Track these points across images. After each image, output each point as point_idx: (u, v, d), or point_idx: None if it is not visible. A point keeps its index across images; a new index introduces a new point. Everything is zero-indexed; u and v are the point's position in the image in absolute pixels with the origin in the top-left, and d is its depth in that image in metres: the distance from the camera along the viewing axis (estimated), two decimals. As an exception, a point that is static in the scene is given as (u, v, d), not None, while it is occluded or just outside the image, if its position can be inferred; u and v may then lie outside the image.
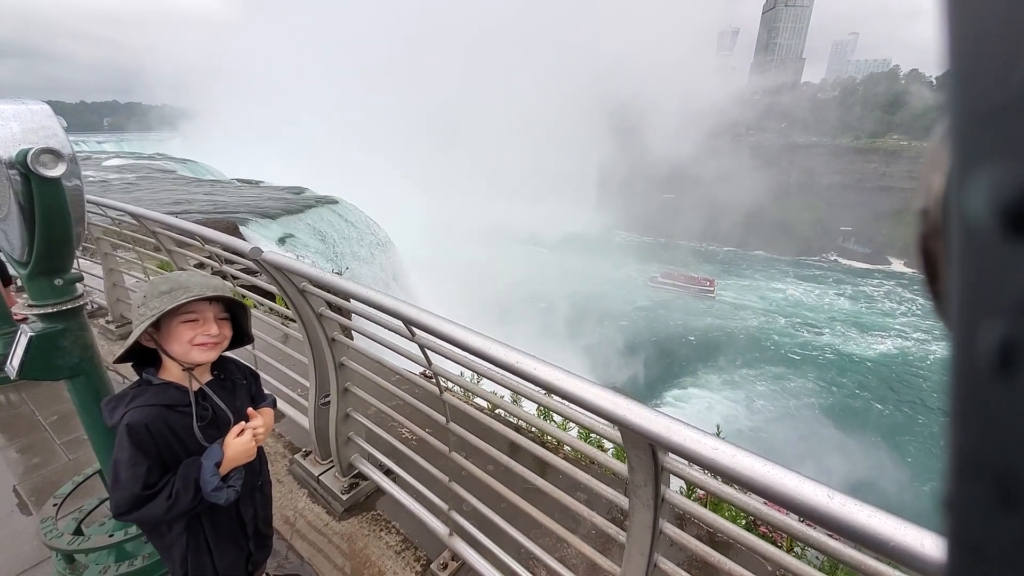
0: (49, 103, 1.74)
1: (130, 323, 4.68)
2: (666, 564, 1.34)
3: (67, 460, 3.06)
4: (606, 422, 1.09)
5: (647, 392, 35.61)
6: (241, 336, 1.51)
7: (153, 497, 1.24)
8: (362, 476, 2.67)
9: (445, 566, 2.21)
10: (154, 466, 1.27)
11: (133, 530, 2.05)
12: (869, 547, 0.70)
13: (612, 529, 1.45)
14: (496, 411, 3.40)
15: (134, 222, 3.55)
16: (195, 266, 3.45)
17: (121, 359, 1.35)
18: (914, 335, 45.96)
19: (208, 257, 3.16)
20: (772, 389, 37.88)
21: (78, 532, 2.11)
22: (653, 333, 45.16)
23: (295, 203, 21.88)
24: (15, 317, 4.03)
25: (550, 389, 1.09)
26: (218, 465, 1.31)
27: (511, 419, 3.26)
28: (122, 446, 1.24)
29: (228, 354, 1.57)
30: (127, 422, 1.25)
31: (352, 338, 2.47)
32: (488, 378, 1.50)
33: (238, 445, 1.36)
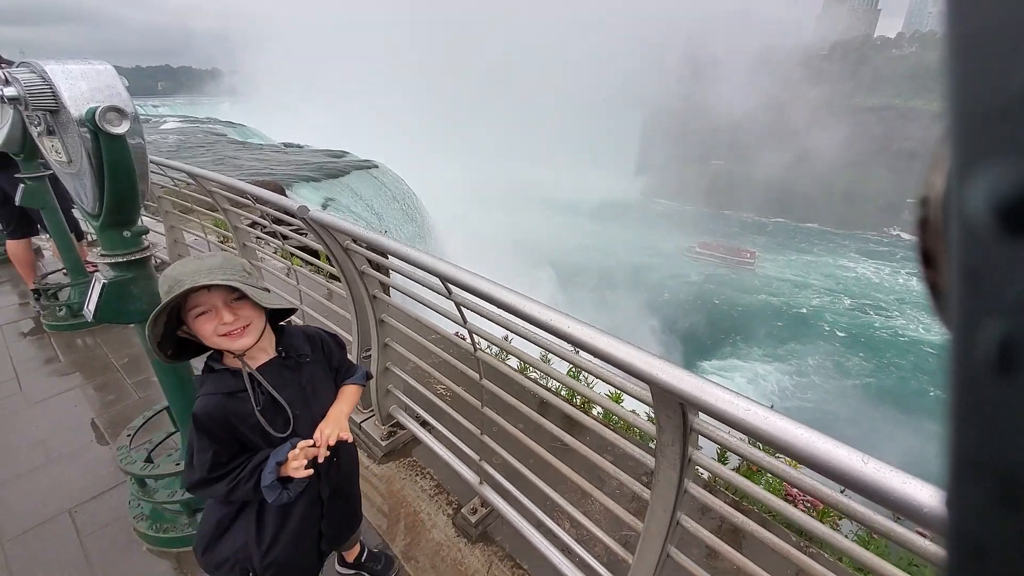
0: (108, 68, 1.83)
1: (189, 277, 5.03)
2: (688, 522, 1.37)
3: (137, 398, 3.40)
4: (636, 381, 1.10)
5: (693, 366, 35.13)
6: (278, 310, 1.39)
7: (218, 480, 1.28)
8: (400, 426, 2.84)
9: (475, 511, 2.34)
10: (223, 450, 1.28)
11: (199, 460, 2.29)
12: (902, 513, 0.69)
13: (637, 486, 1.49)
14: (527, 369, 3.48)
15: (192, 181, 3.74)
16: (248, 225, 3.62)
17: (164, 356, 1.32)
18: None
19: (261, 216, 3.32)
20: (825, 366, 36.55)
21: (148, 460, 2.38)
22: (704, 309, 43.83)
23: (336, 167, 22.35)
24: (88, 268, 4.42)
25: (583, 347, 1.10)
26: (280, 464, 1.27)
27: (542, 378, 3.33)
28: (191, 433, 1.28)
29: (302, 324, 1.54)
30: (193, 411, 1.28)
31: (390, 295, 2.56)
32: (522, 336, 1.53)
33: (293, 460, 1.28)
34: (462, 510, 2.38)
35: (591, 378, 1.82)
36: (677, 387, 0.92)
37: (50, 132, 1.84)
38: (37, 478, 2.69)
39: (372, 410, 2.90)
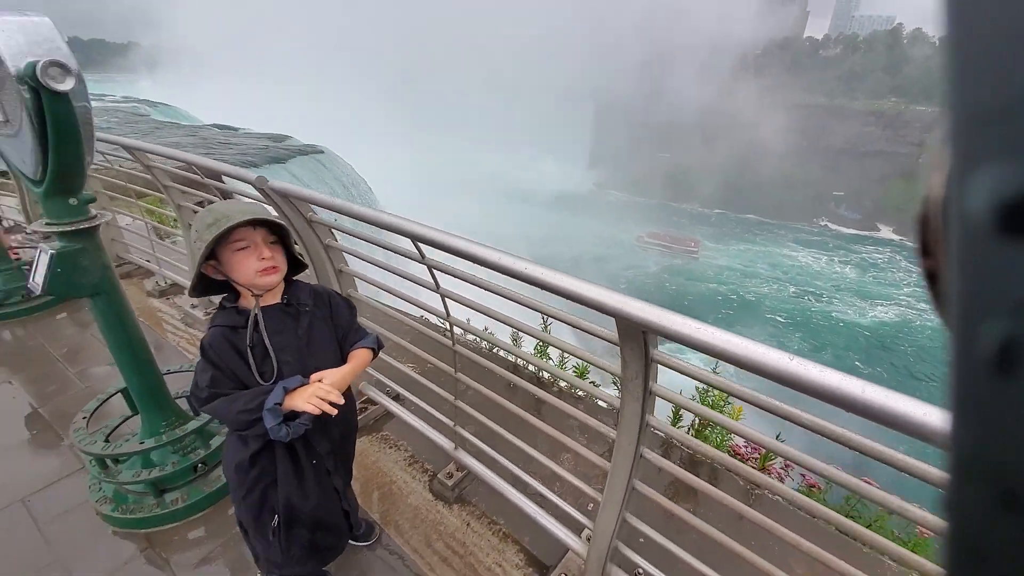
0: None
1: (127, 263, 4.70)
2: (650, 455, 1.53)
3: (82, 387, 3.19)
4: (603, 320, 1.23)
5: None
6: (296, 263, 1.53)
7: (222, 395, 1.37)
8: (371, 401, 2.85)
9: (451, 475, 2.43)
10: (223, 377, 1.37)
11: (164, 438, 2.22)
12: (825, 398, 0.86)
13: (604, 428, 1.63)
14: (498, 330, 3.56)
15: (127, 157, 3.50)
16: (197, 204, 3.45)
17: (193, 291, 1.44)
18: (918, 306, 46.31)
19: (210, 195, 3.18)
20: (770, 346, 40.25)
21: (107, 441, 2.28)
22: (662, 296, 45.88)
23: (278, 152, 21.12)
24: (12, 255, 4.04)
25: (555, 291, 1.21)
26: (287, 392, 1.34)
27: (514, 337, 3.43)
28: (199, 360, 1.41)
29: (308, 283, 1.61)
30: (201, 342, 1.40)
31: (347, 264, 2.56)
32: (496, 292, 1.62)
33: (298, 397, 1.36)
34: (438, 476, 2.45)
35: (561, 338, 1.95)
36: (641, 316, 1.05)
37: (-18, 90, 1.69)
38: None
39: (340, 386, 2.90)
